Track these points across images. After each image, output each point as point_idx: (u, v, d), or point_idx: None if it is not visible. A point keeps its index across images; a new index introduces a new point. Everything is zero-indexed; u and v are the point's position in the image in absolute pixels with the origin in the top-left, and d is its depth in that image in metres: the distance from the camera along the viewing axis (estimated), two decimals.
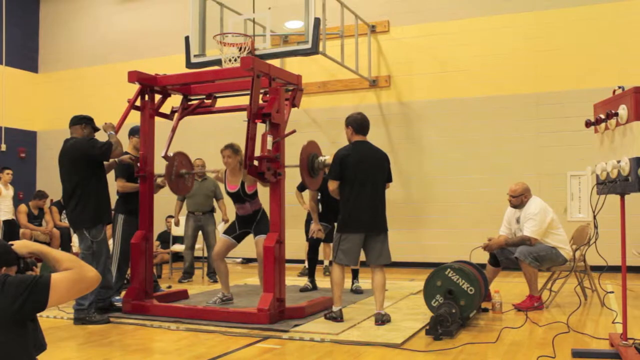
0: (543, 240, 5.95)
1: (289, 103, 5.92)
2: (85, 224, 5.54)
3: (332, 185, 5.29)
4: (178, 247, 9.20)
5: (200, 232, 8.39)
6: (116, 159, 5.97)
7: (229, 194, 6.15)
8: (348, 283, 7.07)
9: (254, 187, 6.08)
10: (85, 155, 5.52)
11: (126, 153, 6.35)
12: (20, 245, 2.36)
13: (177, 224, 8.52)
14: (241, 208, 6.13)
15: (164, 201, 7.85)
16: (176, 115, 6.48)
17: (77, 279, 2.22)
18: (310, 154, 5.64)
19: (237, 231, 6.14)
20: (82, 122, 5.72)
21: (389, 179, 5.50)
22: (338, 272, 5.24)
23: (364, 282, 7.14)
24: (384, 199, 5.36)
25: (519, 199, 6.11)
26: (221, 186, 7.50)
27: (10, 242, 2.36)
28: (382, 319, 5.14)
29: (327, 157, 5.68)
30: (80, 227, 5.57)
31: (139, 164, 6.01)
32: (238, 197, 6.08)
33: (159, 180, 6.34)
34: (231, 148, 6.04)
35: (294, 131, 5.62)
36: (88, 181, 5.55)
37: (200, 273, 8.70)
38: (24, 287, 2.14)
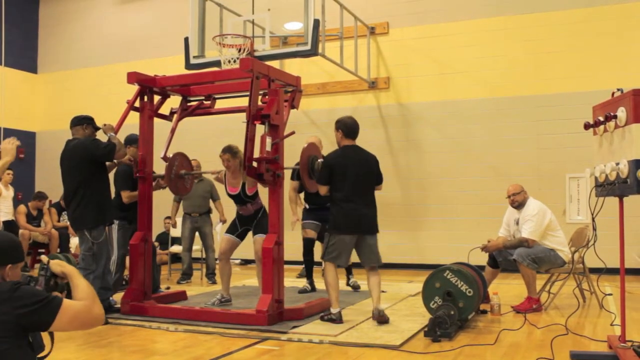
0: (541, 242, 5.95)
1: (288, 104, 5.92)
2: (87, 224, 5.54)
3: (323, 190, 5.40)
4: (177, 249, 9.19)
5: (197, 234, 8.38)
6: (115, 160, 5.97)
7: (230, 196, 6.16)
8: (343, 282, 7.07)
9: (254, 188, 6.09)
10: (88, 155, 5.51)
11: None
12: (56, 264, 2.41)
13: (174, 225, 8.54)
14: (243, 209, 6.15)
15: (162, 202, 7.83)
16: (175, 116, 6.47)
17: (84, 311, 2.26)
18: (310, 156, 5.69)
19: (239, 229, 6.17)
20: (83, 122, 5.73)
21: (379, 181, 5.54)
22: (332, 273, 5.29)
23: (359, 283, 7.14)
24: (375, 201, 5.44)
25: (520, 196, 6.13)
26: (219, 187, 7.50)
27: (43, 256, 2.43)
28: (379, 314, 5.19)
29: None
30: (81, 228, 5.57)
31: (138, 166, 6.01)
32: (239, 199, 6.10)
33: (160, 181, 6.30)
34: (229, 151, 6.03)
35: (293, 132, 5.63)
36: (90, 182, 5.55)
37: (198, 274, 8.68)
38: (36, 299, 2.17)
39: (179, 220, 8.49)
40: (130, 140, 6.42)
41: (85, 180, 5.53)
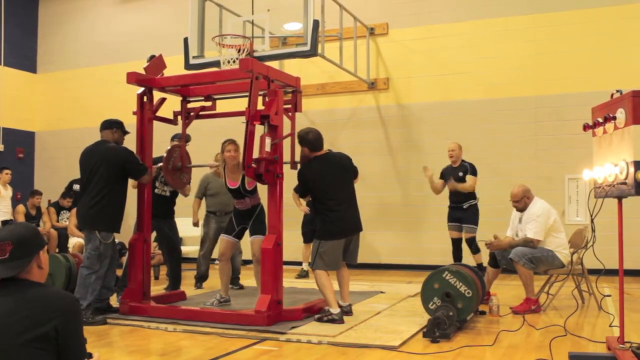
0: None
1: (292, 108, 5.91)
2: (101, 226, 5.60)
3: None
4: (188, 250, 8.99)
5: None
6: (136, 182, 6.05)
7: (229, 189, 6.16)
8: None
9: (254, 183, 6.06)
10: (123, 163, 5.68)
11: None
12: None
13: (196, 224, 7.94)
14: (240, 203, 6.13)
15: None
16: (180, 119, 6.38)
17: None
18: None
19: (236, 229, 6.14)
20: (112, 126, 5.91)
21: (355, 175, 5.75)
22: (324, 275, 5.37)
23: (358, 284, 7.14)
24: (355, 197, 5.64)
25: (521, 203, 6.12)
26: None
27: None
28: (349, 310, 5.57)
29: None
30: (93, 228, 5.60)
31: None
32: (238, 193, 6.09)
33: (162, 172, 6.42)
34: (234, 143, 6.02)
35: (290, 134, 5.63)
36: (115, 188, 5.66)
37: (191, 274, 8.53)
38: (81, 329, 2.22)
39: (181, 220, 8.10)
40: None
41: (111, 184, 5.62)
